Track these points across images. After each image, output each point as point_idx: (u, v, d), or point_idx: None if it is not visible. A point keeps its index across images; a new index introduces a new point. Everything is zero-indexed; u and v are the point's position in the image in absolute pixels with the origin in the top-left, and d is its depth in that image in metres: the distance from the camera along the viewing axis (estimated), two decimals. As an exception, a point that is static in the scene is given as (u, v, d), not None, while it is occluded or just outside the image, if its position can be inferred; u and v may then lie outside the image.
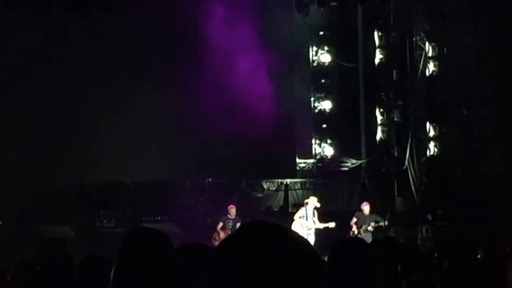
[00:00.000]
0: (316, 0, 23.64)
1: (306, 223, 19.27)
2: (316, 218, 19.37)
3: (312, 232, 19.26)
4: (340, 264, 3.77)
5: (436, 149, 23.27)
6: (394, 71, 24.30)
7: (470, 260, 6.61)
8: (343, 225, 19.48)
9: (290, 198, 23.76)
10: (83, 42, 21.53)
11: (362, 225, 19.21)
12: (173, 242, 3.30)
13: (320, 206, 19.80)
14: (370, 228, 19.12)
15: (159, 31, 22.30)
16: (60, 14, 20.86)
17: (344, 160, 25.45)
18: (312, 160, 25.66)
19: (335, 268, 3.73)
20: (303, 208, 19.71)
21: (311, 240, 19.21)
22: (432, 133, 23.33)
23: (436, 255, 8.26)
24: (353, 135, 25.75)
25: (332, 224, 19.18)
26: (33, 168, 20.63)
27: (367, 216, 19.44)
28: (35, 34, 21.08)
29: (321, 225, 19.22)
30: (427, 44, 23.35)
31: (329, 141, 25.63)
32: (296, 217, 19.53)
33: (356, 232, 19.10)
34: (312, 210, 19.45)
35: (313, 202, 19.65)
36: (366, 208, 19.61)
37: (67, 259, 6.11)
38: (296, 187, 24.30)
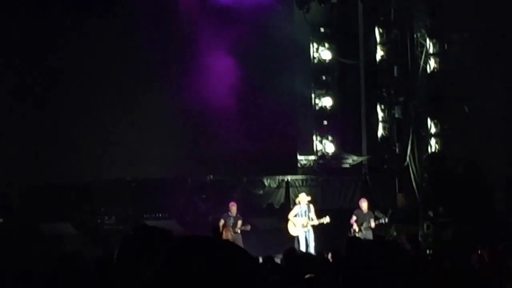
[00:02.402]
0: (316, -3, 23.64)
1: (301, 220, 19.06)
2: (313, 214, 19.17)
3: (310, 229, 19.11)
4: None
5: (437, 146, 23.24)
6: (395, 68, 24.28)
7: (467, 261, 6.60)
8: (344, 222, 19.44)
9: (291, 195, 23.69)
10: (80, 42, 21.46)
11: (363, 223, 19.16)
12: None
13: (322, 203, 19.73)
14: (372, 225, 19.09)
15: (158, 31, 22.26)
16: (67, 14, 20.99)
17: (345, 156, 25.42)
18: (313, 157, 25.63)
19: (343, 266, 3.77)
20: (297, 206, 19.58)
21: (311, 236, 19.04)
22: (433, 129, 23.30)
23: (431, 255, 8.24)
24: (354, 132, 25.74)
25: (326, 219, 19.05)
26: (34, 165, 20.58)
27: (366, 213, 19.41)
28: (37, 32, 21.04)
29: (316, 221, 19.09)
30: (428, 40, 23.32)
31: (330, 138, 25.60)
32: (290, 216, 19.32)
33: (357, 230, 19.05)
34: (306, 206, 19.30)
35: (304, 198, 19.52)
36: (364, 204, 19.57)
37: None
38: (297, 184, 24.24)
